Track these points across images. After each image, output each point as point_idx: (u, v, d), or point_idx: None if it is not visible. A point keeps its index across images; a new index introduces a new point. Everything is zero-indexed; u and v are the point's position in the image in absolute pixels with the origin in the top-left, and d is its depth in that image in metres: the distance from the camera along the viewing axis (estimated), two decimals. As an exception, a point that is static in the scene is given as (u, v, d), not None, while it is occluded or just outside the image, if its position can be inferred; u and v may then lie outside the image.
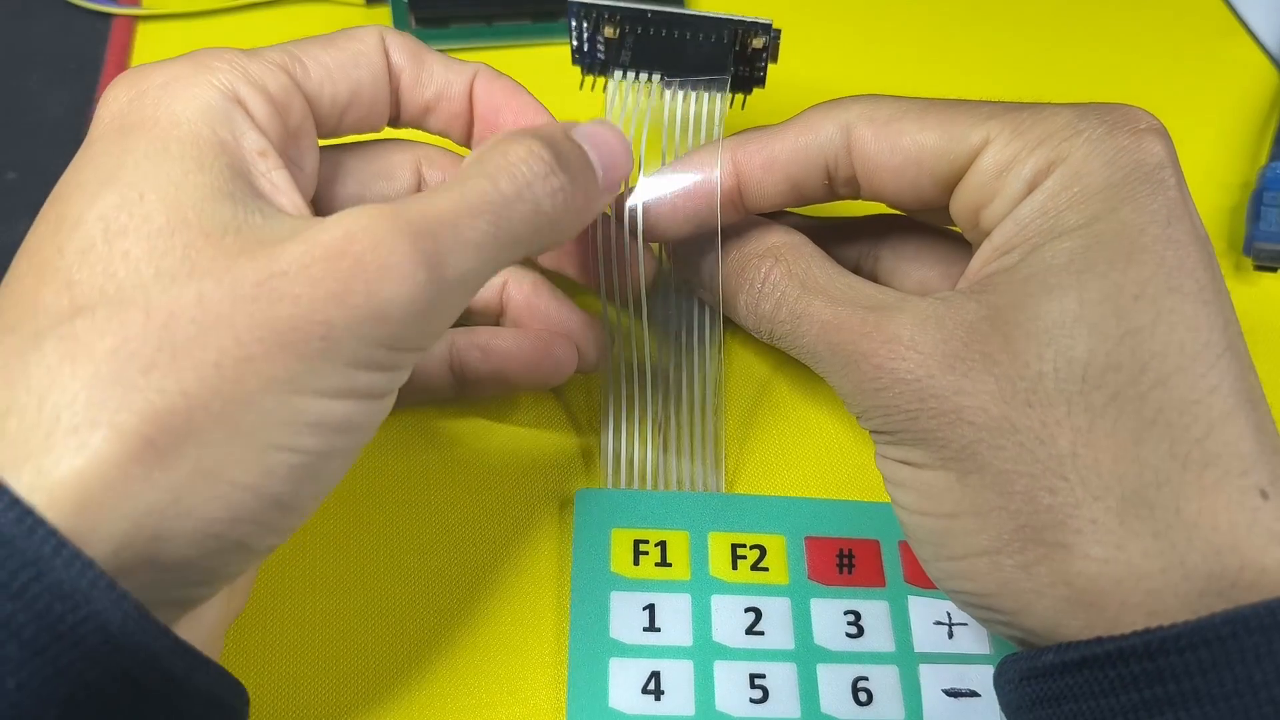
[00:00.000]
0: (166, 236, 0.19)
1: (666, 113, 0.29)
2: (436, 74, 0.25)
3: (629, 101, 0.28)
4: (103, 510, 0.17)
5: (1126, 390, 0.20)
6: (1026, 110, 0.24)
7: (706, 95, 0.29)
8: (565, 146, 0.23)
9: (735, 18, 0.28)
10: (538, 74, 0.33)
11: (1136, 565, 0.20)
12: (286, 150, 0.22)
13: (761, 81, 0.29)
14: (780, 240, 0.26)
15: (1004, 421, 0.21)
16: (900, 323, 0.23)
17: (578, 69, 0.29)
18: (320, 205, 0.25)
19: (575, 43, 0.31)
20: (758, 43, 0.30)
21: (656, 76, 0.29)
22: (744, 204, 0.26)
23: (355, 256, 0.18)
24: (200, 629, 0.20)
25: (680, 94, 0.28)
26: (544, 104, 0.27)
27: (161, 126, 0.20)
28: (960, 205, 0.24)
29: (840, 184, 0.26)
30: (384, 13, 0.40)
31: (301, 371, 0.18)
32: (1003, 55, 0.41)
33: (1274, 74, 0.41)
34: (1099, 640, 0.20)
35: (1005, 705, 0.23)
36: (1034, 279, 0.22)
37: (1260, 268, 0.34)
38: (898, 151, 0.24)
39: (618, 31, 0.30)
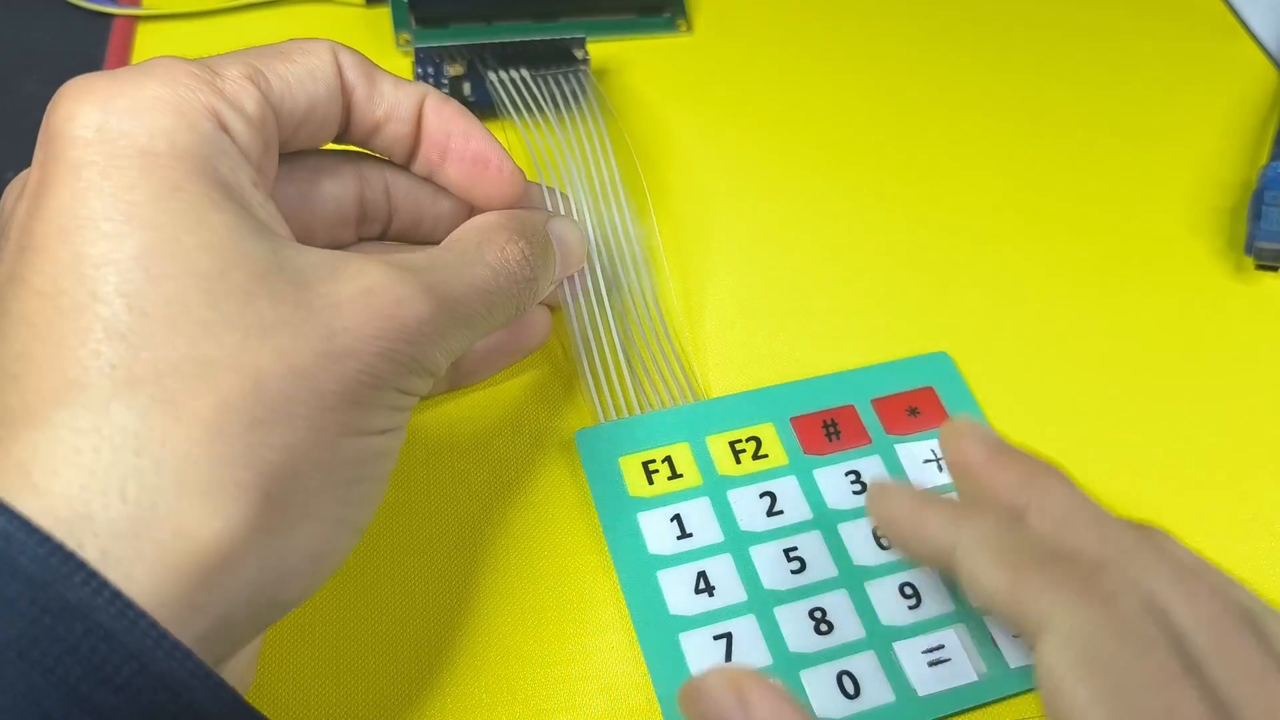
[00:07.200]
0: (218, 280, 0.19)
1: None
2: (387, 94, 0.25)
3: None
4: (241, 565, 0.18)
5: None
6: None
7: (573, 82, 0.35)
8: (542, 243, 0.26)
9: (558, 37, 0.36)
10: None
11: None
12: (262, 169, 0.22)
13: (583, 87, 0.35)
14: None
15: None
16: None
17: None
18: None
19: None
20: (579, 53, 0.36)
21: (525, 71, 0.35)
22: None
23: (403, 321, 0.21)
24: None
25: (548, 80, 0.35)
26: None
27: (163, 161, 0.19)
28: None
29: None
30: (384, 13, 0.39)
31: (363, 417, 0.20)
32: (1002, 55, 0.41)
33: (1274, 74, 0.41)
34: None
35: None
36: None
37: (1261, 267, 0.34)
38: None
39: (463, 69, 0.35)
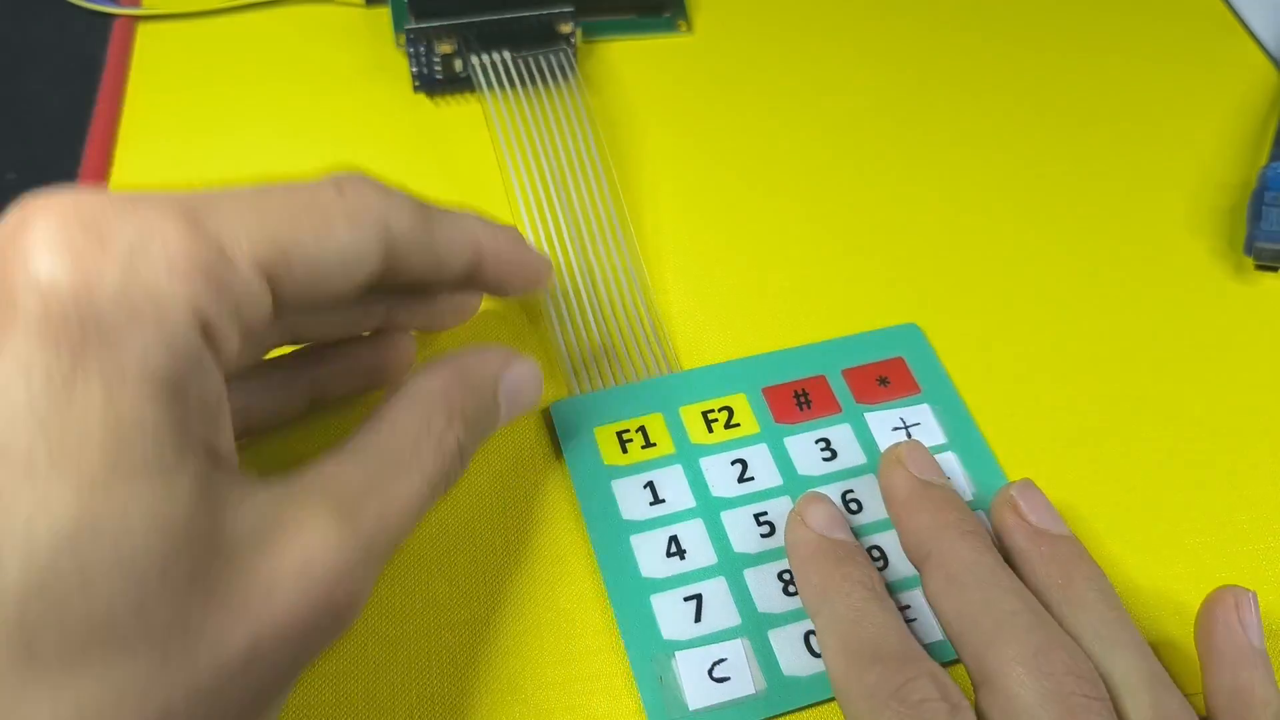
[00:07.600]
0: (155, 580, 0.16)
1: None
2: (440, 249, 0.23)
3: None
4: None
5: None
6: None
7: (555, 62, 0.36)
8: (485, 413, 0.24)
9: (543, 12, 0.36)
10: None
11: None
12: (232, 374, 0.19)
13: (568, 67, 0.36)
14: None
15: None
16: None
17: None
18: None
19: (415, 69, 0.36)
20: (565, 27, 0.36)
21: (508, 54, 0.36)
22: None
23: (337, 603, 0.19)
24: None
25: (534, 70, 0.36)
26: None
27: (130, 390, 0.17)
28: None
29: None
30: (384, 13, 0.40)
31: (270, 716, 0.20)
32: (1002, 55, 0.41)
33: (1274, 74, 0.41)
34: None
35: None
36: None
37: (1260, 268, 0.34)
38: None
39: (454, 46, 0.36)
